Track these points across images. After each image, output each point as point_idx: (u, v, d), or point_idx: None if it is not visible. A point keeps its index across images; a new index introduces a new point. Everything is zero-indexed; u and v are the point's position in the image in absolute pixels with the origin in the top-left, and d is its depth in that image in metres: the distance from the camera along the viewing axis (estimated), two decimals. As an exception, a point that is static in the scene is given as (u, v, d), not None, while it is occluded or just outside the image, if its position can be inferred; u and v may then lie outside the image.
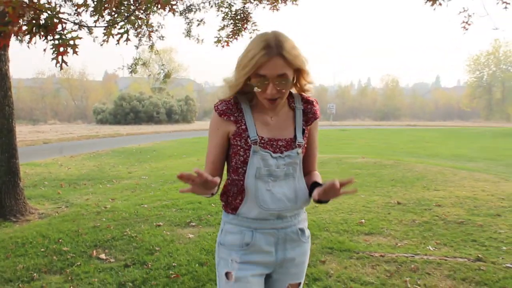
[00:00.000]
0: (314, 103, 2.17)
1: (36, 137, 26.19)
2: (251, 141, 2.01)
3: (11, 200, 7.61)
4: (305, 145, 2.14)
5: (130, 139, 26.33)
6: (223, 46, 8.17)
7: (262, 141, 2.02)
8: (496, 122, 55.46)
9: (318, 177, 2.18)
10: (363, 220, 6.63)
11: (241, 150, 2.03)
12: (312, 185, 2.10)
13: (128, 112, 46.55)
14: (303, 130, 2.12)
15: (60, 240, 5.94)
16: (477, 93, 65.38)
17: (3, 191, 7.55)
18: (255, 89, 1.95)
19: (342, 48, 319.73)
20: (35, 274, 4.83)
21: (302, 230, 2.13)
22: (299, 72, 2.02)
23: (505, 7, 6.54)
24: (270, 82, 1.92)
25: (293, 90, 2.13)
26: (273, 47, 1.89)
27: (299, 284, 2.20)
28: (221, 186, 2.13)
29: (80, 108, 60.00)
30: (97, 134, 30.58)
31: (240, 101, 2.06)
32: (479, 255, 5.14)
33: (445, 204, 7.65)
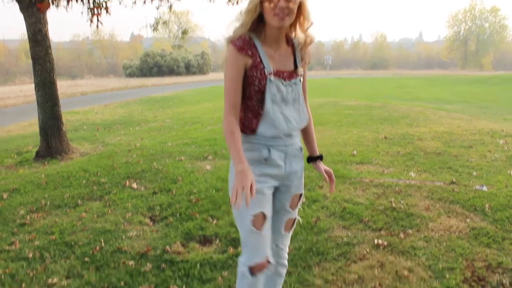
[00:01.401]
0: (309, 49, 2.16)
1: (74, 90, 26.14)
2: (267, 72, 2.00)
3: (56, 142, 7.68)
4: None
5: (154, 89, 26.21)
6: (233, 4, 7.98)
7: (274, 72, 2.03)
8: (471, 70, 54.74)
9: (311, 134, 2.30)
10: (355, 152, 6.63)
11: (257, 80, 2.01)
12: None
13: (152, 67, 46.38)
14: (302, 60, 2.13)
15: (98, 173, 6.01)
16: (455, 45, 65.59)
17: (49, 134, 7.61)
18: (266, 4, 1.92)
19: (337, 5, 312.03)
20: (79, 201, 4.92)
21: (300, 148, 2.19)
22: (301, 7, 1.99)
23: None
24: None
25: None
26: None
27: (300, 195, 2.24)
28: None
29: (111, 64, 59.69)
30: (126, 86, 30.44)
31: (253, 38, 2.03)
32: (453, 180, 5.16)
33: (425, 138, 7.63)
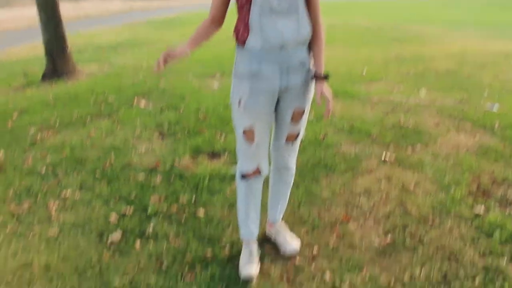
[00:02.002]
0: None
1: (78, 13, 25.54)
2: None
3: (62, 63, 7.59)
4: None
5: (159, 12, 25.54)
6: None
7: None
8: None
9: (320, 53, 2.09)
10: (364, 71, 6.53)
11: None
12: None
13: (157, -12, 44.99)
14: None
15: (105, 93, 5.99)
16: None
17: (54, 55, 7.51)
18: None
19: None
20: (87, 119, 4.94)
21: (303, 63, 2.05)
22: None
23: None
24: None
25: None
26: None
27: (304, 110, 2.17)
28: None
29: (114, -15, 57.81)
30: (131, 8, 29.67)
31: None
32: (463, 98, 5.09)
33: (437, 58, 7.47)
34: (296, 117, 2.16)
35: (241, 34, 1.99)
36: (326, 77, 2.06)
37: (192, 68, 7.30)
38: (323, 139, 3.95)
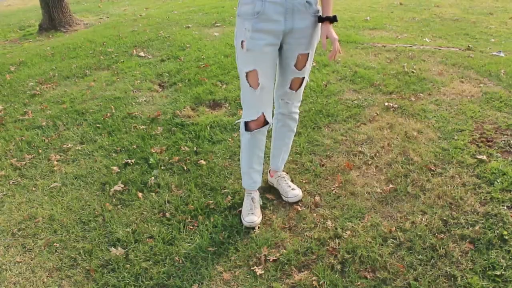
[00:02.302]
0: None
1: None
2: None
3: (59, 14, 7.45)
4: None
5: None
6: None
7: None
8: None
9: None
10: (368, 18, 6.36)
11: None
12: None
13: None
14: None
15: (104, 44, 5.89)
16: None
17: (50, 5, 7.35)
18: None
19: None
20: (87, 71, 4.88)
21: (309, 3, 1.97)
22: None
23: None
24: None
25: None
26: None
27: (308, 55, 2.12)
28: None
29: None
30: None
31: None
32: (469, 45, 4.98)
33: (443, 5, 7.26)
34: (300, 62, 2.11)
35: None
36: (333, 19, 2.00)
37: (192, 17, 7.13)
38: (326, 86, 3.89)
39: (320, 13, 2.03)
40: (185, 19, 7.05)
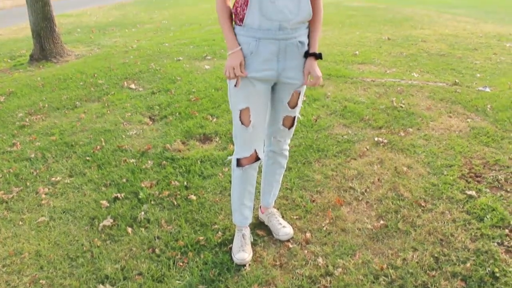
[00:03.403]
0: None
1: (66, -9, 25.05)
2: None
3: (50, 44, 7.47)
4: None
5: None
6: None
7: None
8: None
9: (317, 31, 2.07)
10: (357, 52, 6.48)
11: None
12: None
13: (146, -33, 44.32)
14: None
15: (95, 75, 5.91)
16: None
17: (42, 36, 7.38)
18: None
19: None
20: (77, 102, 4.88)
21: (302, 43, 2.02)
22: None
23: None
24: None
25: None
26: None
27: (300, 93, 2.15)
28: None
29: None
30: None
31: None
32: (456, 80, 5.09)
33: (429, 40, 7.43)
34: (293, 99, 2.14)
35: (240, 11, 1.95)
36: (318, 56, 2.04)
37: (183, 50, 7.21)
38: (316, 121, 3.94)
39: (306, 49, 2.07)
40: (176, 51, 7.13)
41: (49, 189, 3.09)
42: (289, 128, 2.25)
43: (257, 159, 2.17)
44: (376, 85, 4.88)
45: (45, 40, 7.41)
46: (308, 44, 2.06)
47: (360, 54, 6.42)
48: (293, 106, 2.16)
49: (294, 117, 2.22)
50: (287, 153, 2.38)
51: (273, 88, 2.13)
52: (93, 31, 10.52)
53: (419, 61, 6.03)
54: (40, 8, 7.24)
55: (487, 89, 4.78)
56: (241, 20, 1.94)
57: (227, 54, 1.97)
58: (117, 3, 18.16)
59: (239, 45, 1.96)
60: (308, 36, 2.06)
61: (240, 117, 2.06)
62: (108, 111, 4.50)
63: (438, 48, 6.82)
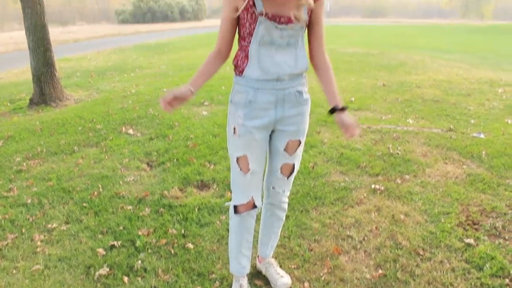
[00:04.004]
0: None
1: (66, 37, 25.58)
2: (257, 12, 1.91)
3: (50, 89, 7.57)
4: (307, 23, 2.03)
5: (148, 36, 25.68)
6: None
7: (267, 15, 1.93)
8: (471, 19, 53.89)
9: (331, 83, 2.08)
10: (353, 98, 6.59)
11: (247, 23, 1.95)
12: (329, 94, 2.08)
13: (146, 12, 45.50)
14: (308, 7, 1.97)
15: (94, 120, 5.97)
16: None
17: (42, 80, 7.49)
18: None
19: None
20: (75, 147, 4.90)
21: (300, 92, 2.06)
22: None
23: None
24: None
25: None
26: None
27: (299, 142, 2.18)
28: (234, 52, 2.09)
29: (103, 10, 58.31)
30: (120, 32, 29.80)
31: None
32: (451, 126, 5.16)
33: (424, 86, 7.58)
34: (291, 147, 2.16)
35: (240, 63, 2.01)
36: (343, 109, 2.04)
37: (181, 95, 7.31)
38: (313, 168, 3.96)
39: (309, 100, 2.12)
40: (174, 97, 7.21)
41: (44, 236, 3.07)
42: (288, 176, 2.25)
43: (254, 206, 2.17)
44: (372, 132, 4.94)
45: (45, 85, 7.51)
46: (329, 100, 2.07)
47: (356, 100, 6.53)
48: (291, 153, 2.17)
49: (293, 165, 2.22)
50: (285, 206, 2.37)
51: (271, 136, 2.16)
52: (92, 76, 10.68)
53: (414, 107, 6.13)
54: (41, 54, 7.39)
55: (481, 135, 4.85)
56: (241, 72, 2.01)
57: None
58: (116, 47, 18.52)
59: (192, 87, 1.98)
60: (324, 91, 2.09)
61: (238, 164, 2.09)
62: (106, 157, 4.52)
63: (433, 94, 6.95)
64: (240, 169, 2.09)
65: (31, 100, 7.59)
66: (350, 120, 2.02)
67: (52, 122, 6.06)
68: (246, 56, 1.99)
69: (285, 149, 2.16)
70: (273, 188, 2.28)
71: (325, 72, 2.10)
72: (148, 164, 4.32)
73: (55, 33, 26.81)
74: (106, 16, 54.09)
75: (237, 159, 2.08)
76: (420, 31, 28.26)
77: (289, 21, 1.94)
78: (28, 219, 3.31)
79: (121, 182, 3.87)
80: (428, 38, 22.82)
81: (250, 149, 2.07)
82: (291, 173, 2.25)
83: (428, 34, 25.98)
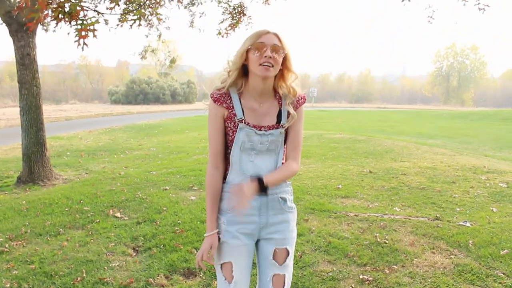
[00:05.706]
0: (301, 99, 2.13)
1: (59, 115, 25.97)
2: (237, 120, 2.02)
3: (39, 168, 7.60)
4: (286, 130, 2.10)
5: (140, 117, 26.18)
6: (222, 37, 8.19)
7: (248, 123, 2.03)
8: (453, 106, 56.21)
9: (281, 169, 2.07)
10: (340, 186, 6.67)
11: (230, 131, 2.05)
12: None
13: (138, 94, 46.74)
14: (288, 114, 2.08)
15: (81, 201, 5.94)
16: (437, 81, 68.30)
17: (32, 159, 7.53)
18: (251, 54, 1.98)
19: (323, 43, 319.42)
20: (61, 229, 4.84)
21: (284, 199, 2.10)
22: (285, 60, 2.04)
23: (464, 4, 6.52)
24: (267, 48, 1.97)
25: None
26: (270, 31, 2.01)
27: (287, 251, 2.12)
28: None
29: (96, 90, 59.90)
30: (111, 112, 30.36)
31: (230, 91, 2.06)
32: (437, 215, 5.20)
33: (409, 173, 7.70)
34: (279, 256, 2.11)
35: (225, 171, 2.08)
36: (261, 183, 1.96)
37: (169, 179, 7.36)
38: (301, 257, 3.93)
39: (294, 209, 2.16)
40: (163, 180, 7.26)
41: (23, 325, 2.96)
42: None
43: None
44: (360, 220, 4.96)
45: (34, 164, 7.55)
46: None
47: (343, 187, 6.60)
48: (281, 262, 2.11)
49: (284, 276, 2.11)
50: None
51: (257, 246, 2.15)
52: (82, 155, 10.76)
53: (401, 195, 6.21)
54: (34, 133, 7.50)
55: (468, 224, 4.89)
56: (225, 178, 2.08)
57: (204, 235, 2.07)
58: (107, 127, 18.79)
59: (217, 228, 2.05)
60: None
61: (222, 271, 2.07)
62: (92, 240, 4.46)
63: (418, 182, 7.05)
64: (225, 279, 2.06)
65: (19, 178, 7.58)
66: (247, 191, 1.91)
67: (38, 201, 6.02)
68: (229, 163, 2.07)
69: (274, 258, 2.10)
70: None
71: (284, 165, 2.08)
72: (134, 249, 4.26)
73: (48, 110, 27.28)
74: (99, 96, 55.44)
75: (221, 266, 2.07)
76: (404, 117, 29.22)
77: (268, 128, 2.05)
78: (6, 306, 3.20)
79: (105, 268, 3.79)
80: (412, 123, 23.55)
81: (234, 256, 2.06)
82: (282, 286, 2.11)
83: (412, 119, 26.83)
